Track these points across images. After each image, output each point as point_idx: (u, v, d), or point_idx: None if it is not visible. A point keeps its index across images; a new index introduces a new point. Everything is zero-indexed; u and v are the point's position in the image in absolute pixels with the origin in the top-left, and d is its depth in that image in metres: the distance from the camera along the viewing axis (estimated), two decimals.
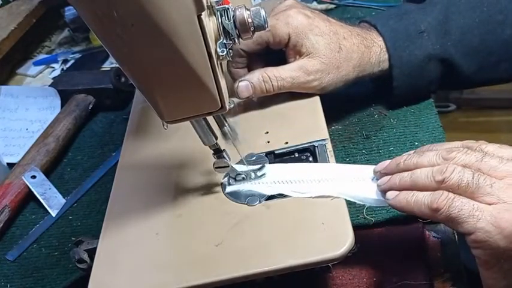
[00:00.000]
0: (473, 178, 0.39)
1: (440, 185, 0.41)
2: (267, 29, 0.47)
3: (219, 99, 0.44)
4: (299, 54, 0.59)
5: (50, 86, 0.85)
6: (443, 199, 0.39)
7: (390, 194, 0.44)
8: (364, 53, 0.61)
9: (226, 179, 0.52)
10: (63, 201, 0.69)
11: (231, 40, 0.44)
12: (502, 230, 0.37)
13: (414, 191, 0.42)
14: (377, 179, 0.48)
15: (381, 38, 0.62)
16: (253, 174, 0.51)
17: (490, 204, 0.38)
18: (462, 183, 0.39)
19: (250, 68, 0.62)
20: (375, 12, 0.87)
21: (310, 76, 0.59)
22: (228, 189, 0.51)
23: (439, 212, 0.39)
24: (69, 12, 1.04)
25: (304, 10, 0.61)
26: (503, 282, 0.39)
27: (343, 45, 0.60)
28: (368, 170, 0.50)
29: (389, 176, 0.46)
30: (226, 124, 0.49)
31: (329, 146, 0.53)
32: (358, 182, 0.49)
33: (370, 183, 0.49)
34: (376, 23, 0.63)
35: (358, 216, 0.55)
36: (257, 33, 0.48)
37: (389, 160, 0.47)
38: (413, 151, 0.47)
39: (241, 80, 0.59)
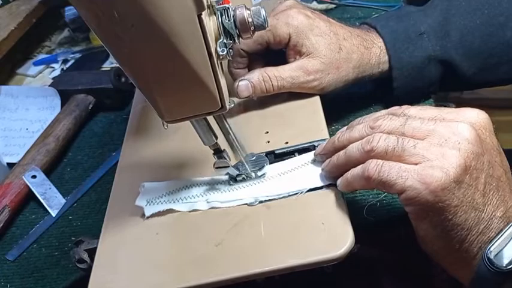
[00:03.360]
0: (397, 143, 0.42)
1: (370, 154, 0.43)
2: (267, 28, 0.47)
3: (219, 99, 0.44)
4: (299, 54, 0.59)
5: (50, 86, 0.85)
6: (372, 166, 0.42)
7: (338, 182, 0.47)
8: (364, 54, 0.61)
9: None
10: (63, 201, 0.69)
11: (231, 40, 0.44)
12: (428, 185, 0.39)
13: (352, 169, 0.45)
14: (318, 161, 0.51)
15: (380, 39, 0.62)
16: (253, 174, 0.51)
17: (416, 164, 0.41)
18: (389, 149, 0.42)
19: (250, 68, 0.62)
20: (375, 12, 0.87)
21: (310, 76, 0.59)
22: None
23: (372, 179, 0.42)
24: (69, 12, 1.04)
25: (305, 10, 0.61)
26: (433, 233, 0.42)
27: (343, 45, 0.60)
28: (309, 155, 0.52)
29: (329, 159, 0.49)
30: (231, 132, 0.49)
31: None
32: (303, 169, 0.51)
33: (313, 167, 0.51)
34: (376, 25, 0.63)
35: (358, 216, 0.55)
36: (257, 33, 0.48)
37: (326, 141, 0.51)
38: (345, 127, 0.50)
39: (241, 79, 0.59)
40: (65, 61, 1.01)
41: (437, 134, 0.41)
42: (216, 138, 0.48)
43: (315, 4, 0.92)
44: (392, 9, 0.85)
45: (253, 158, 0.53)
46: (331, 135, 0.58)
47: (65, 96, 0.83)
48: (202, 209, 0.50)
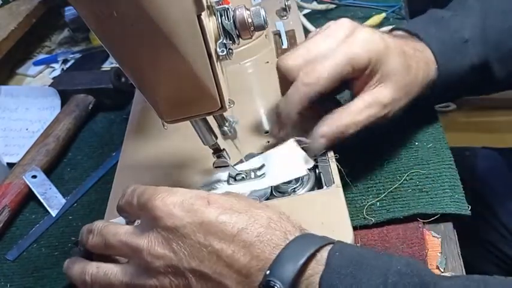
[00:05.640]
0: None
1: None
2: (343, 62, 0.47)
3: (218, 99, 0.44)
4: (370, 82, 0.52)
5: (50, 86, 0.85)
6: None
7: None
8: (425, 71, 0.55)
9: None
10: (63, 201, 0.69)
11: (230, 40, 0.44)
12: None
13: None
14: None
15: (428, 50, 0.56)
16: (253, 174, 0.51)
17: None
18: None
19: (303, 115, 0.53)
20: (375, 12, 0.87)
21: (386, 109, 0.52)
22: None
23: None
24: (69, 12, 1.04)
25: (374, 30, 0.53)
26: None
27: (411, 65, 0.53)
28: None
29: None
30: (226, 123, 0.49)
31: None
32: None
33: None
34: (418, 32, 0.57)
35: (358, 216, 0.55)
36: (332, 70, 0.48)
37: None
38: None
39: (317, 140, 0.51)
40: (65, 61, 1.01)
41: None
42: (216, 138, 0.49)
43: (315, 4, 0.92)
44: (391, 10, 0.84)
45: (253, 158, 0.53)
46: None
47: (65, 96, 0.83)
48: None
